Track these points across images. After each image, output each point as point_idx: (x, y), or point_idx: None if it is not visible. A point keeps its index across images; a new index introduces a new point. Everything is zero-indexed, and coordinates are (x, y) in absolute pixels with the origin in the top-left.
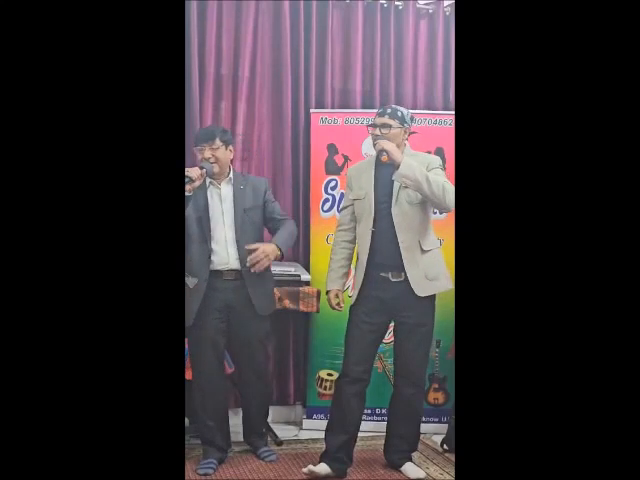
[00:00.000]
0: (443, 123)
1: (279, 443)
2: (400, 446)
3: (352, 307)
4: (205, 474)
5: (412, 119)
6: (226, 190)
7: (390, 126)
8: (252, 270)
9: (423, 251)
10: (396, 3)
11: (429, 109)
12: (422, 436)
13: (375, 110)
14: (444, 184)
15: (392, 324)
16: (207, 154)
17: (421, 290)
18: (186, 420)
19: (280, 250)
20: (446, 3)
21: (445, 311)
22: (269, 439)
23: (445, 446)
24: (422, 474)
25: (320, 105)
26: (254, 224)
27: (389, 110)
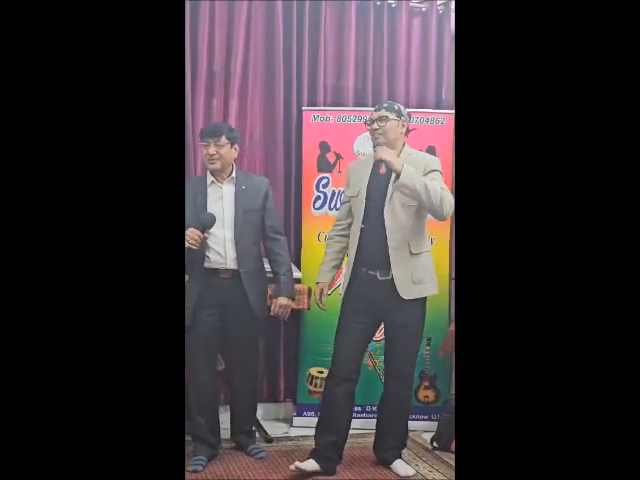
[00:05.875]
0: (435, 122)
1: (269, 440)
2: (391, 443)
3: (343, 305)
4: (194, 471)
5: (410, 117)
6: (228, 189)
7: (387, 118)
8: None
9: (412, 254)
10: (389, 1)
11: (421, 107)
12: (412, 434)
13: (367, 108)
14: (442, 193)
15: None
16: (212, 150)
17: (405, 293)
18: None
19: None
20: (439, 2)
21: (436, 309)
22: (258, 436)
23: (435, 444)
24: (412, 471)
25: (313, 103)
26: (253, 225)
27: (385, 105)
